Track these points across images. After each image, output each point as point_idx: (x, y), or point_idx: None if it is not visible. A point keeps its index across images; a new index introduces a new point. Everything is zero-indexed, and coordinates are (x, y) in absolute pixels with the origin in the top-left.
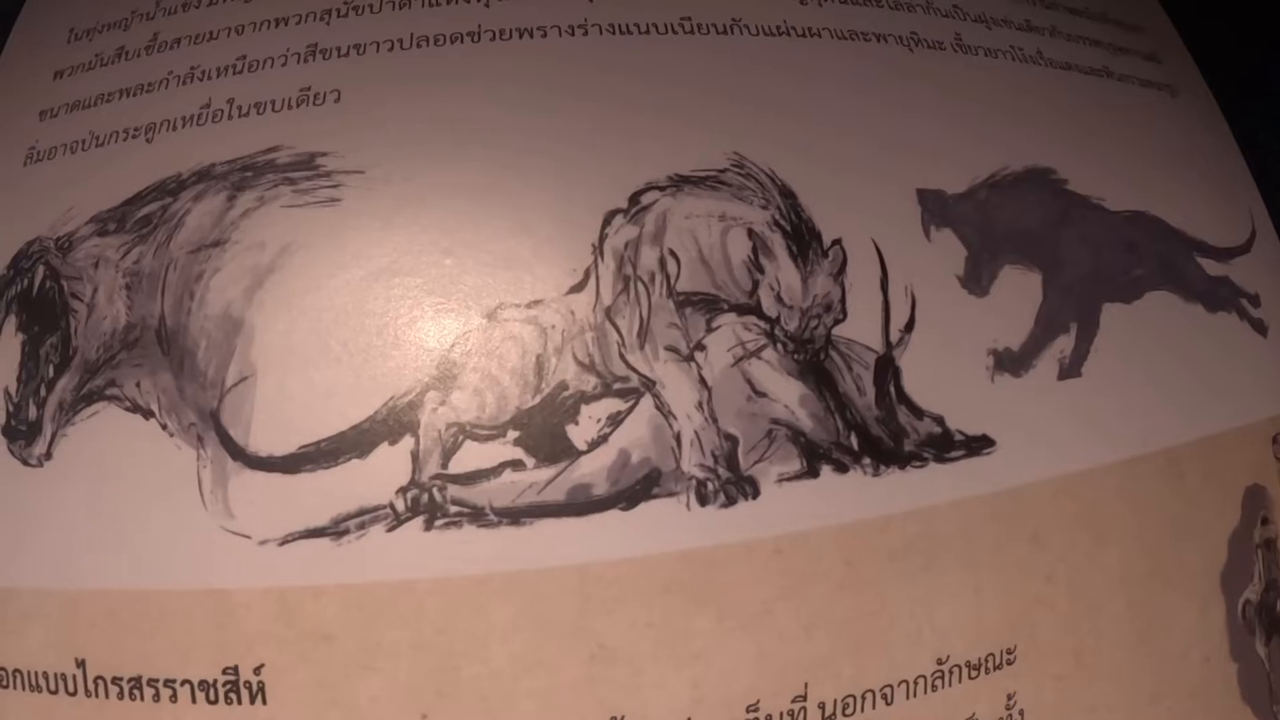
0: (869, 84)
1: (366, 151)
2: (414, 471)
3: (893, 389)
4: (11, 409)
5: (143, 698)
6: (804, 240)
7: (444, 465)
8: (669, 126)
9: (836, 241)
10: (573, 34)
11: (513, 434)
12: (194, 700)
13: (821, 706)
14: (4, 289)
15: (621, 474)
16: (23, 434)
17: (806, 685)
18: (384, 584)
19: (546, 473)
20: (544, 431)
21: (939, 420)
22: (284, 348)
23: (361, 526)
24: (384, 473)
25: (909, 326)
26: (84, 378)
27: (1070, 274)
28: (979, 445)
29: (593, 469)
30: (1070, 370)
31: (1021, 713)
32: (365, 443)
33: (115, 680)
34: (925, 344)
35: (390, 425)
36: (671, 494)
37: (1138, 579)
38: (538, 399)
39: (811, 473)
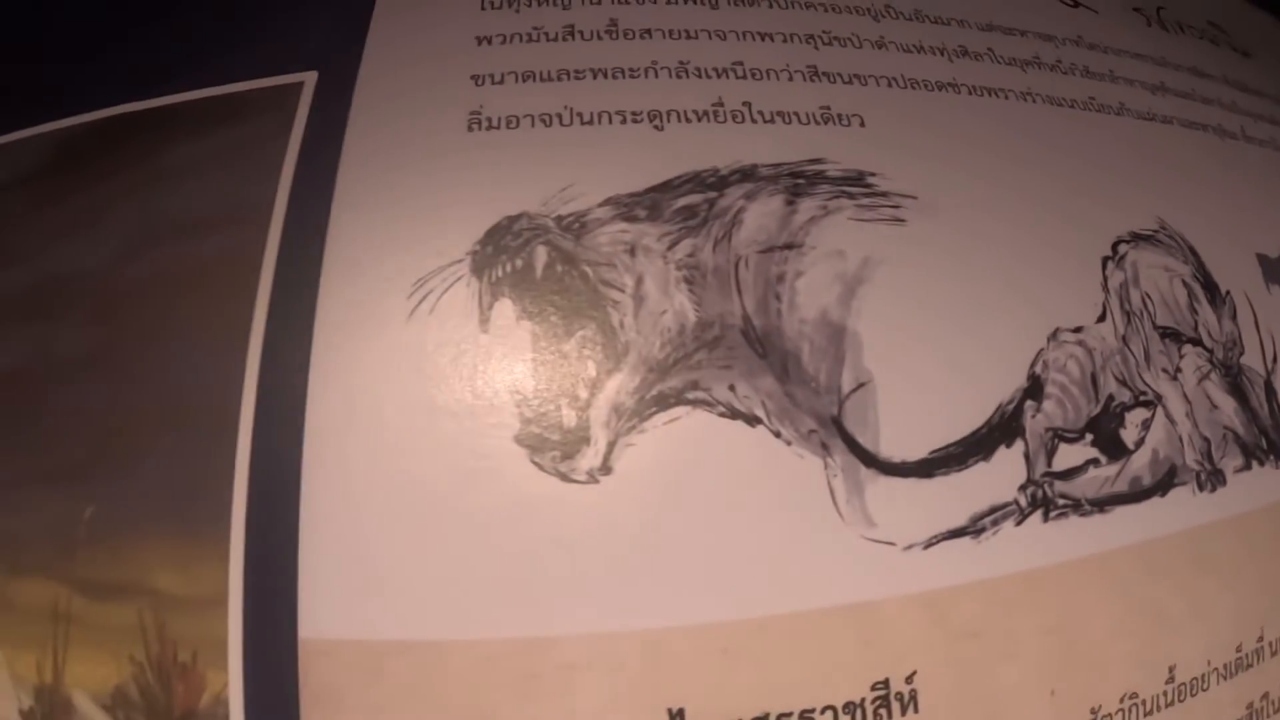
0: (1203, 165)
1: (909, 178)
2: (1029, 470)
3: (1275, 405)
4: (530, 414)
5: None
6: (1211, 291)
7: (1049, 464)
8: (1113, 189)
9: (1228, 292)
10: (1022, 100)
11: (1089, 436)
12: None
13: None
14: (483, 267)
15: (1154, 468)
16: (554, 443)
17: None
18: (1017, 575)
19: (1113, 469)
20: (1107, 434)
21: None
22: (893, 356)
23: (995, 523)
24: (1005, 472)
25: (1276, 359)
26: (649, 378)
27: None
28: None
29: (1140, 465)
30: None
31: None
32: (987, 445)
33: None
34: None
35: (1003, 430)
36: (1184, 484)
37: None
38: (1098, 408)
39: (1248, 467)
